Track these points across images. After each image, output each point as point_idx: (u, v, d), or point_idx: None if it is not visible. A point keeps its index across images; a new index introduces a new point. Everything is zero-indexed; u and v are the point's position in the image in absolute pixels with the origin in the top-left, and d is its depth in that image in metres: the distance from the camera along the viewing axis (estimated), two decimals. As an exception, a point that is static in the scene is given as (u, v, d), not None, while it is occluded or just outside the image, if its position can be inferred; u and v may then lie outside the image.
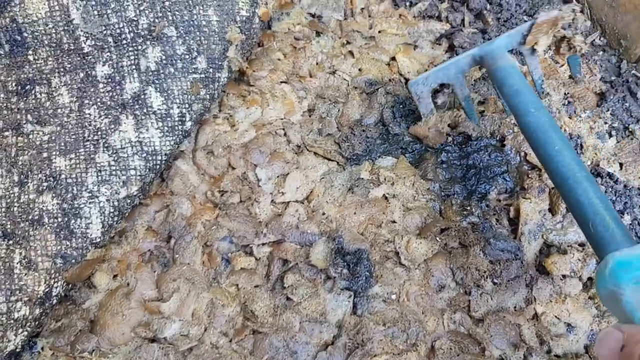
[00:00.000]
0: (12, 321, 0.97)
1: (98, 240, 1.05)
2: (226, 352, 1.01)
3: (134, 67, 1.08)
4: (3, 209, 1.04)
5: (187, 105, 1.11)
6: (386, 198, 1.20)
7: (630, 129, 1.29)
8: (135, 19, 1.07)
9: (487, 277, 1.09)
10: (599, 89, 1.36)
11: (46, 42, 1.06)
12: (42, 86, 1.08)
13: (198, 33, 1.11)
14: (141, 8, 1.07)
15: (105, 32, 1.06)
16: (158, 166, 1.11)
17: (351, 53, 1.44)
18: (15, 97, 1.08)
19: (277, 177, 1.22)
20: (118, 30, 1.07)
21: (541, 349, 1.04)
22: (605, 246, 0.81)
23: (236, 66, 1.22)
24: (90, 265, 1.05)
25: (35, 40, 1.05)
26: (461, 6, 1.53)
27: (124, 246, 1.13)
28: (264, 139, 1.26)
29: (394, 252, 1.12)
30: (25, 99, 1.07)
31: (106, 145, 1.06)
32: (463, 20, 1.51)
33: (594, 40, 1.44)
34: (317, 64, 1.42)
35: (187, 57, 1.10)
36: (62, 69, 1.08)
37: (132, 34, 1.07)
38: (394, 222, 1.17)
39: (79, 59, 1.07)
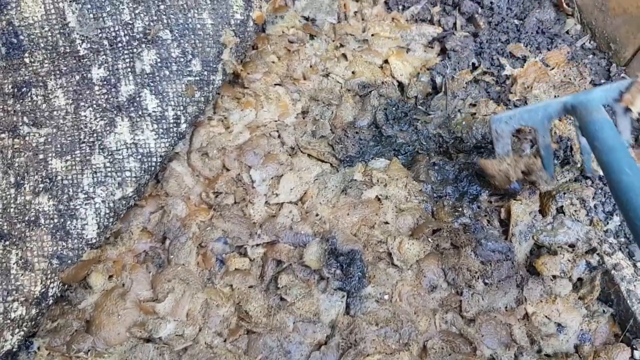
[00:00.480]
0: (8, 321, 0.98)
1: (94, 241, 1.06)
2: (220, 352, 1.02)
3: (129, 69, 1.09)
4: (0, 210, 1.05)
5: (182, 108, 1.12)
6: (379, 199, 1.21)
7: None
8: (130, 22, 1.08)
9: (478, 278, 1.10)
10: (589, 91, 1.37)
11: (42, 45, 1.06)
12: (38, 89, 1.08)
13: (193, 36, 1.12)
14: (136, 11, 1.08)
15: (100, 35, 1.07)
16: (153, 168, 1.12)
17: (344, 56, 1.46)
18: (11, 99, 1.08)
19: (271, 178, 1.23)
20: (113, 34, 1.08)
21: (532, 348, 1.05)
22: None
23: (230, 69, 1.22)
24: (86, 266, 1.06)
25: (32, 43, 1.06)
26: (453, 10, 1.55)
27: (120, 247, 1.13)
28: (258, 140, 1.27)
29: (387, 252, 1.13)
30: (21, 101, 1.08)
31: (102, 147, 1.07)
32: (455, 23, 1.53)
33: (584, 43, 1.46)
34: (310, 66, 1.43)
35: (182, 59, 1.11)
36: (58, 72, 1.08)
37: (127, 37, 1.08)
38: (386, 223, 1.18)
39: (74, 61, 1.08)
